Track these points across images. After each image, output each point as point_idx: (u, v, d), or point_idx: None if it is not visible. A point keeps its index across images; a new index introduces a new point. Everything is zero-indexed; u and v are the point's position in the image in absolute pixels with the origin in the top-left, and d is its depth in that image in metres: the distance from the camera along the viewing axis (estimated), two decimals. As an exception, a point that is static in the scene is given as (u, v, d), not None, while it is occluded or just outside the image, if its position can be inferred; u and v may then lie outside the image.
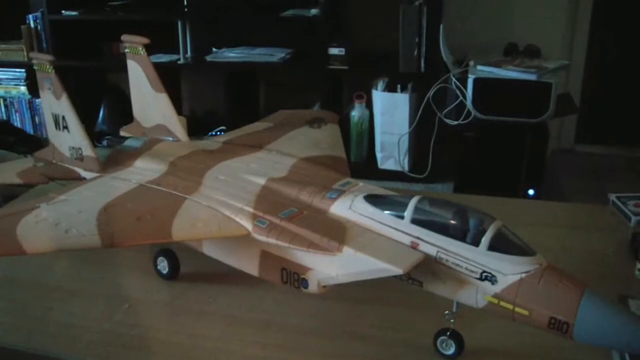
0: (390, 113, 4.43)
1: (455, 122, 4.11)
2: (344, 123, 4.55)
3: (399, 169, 4.54)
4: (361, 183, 1.84)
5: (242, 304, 1.89)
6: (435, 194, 2.17)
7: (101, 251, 1.80)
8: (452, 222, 1.56)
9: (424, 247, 1.55)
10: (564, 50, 5.04)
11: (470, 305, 1.55)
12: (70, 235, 1.72)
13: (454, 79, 4.07)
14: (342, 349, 1.73)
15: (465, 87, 4.01)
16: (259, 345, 1.73)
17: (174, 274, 1.99)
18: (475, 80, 3.98)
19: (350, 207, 1.70)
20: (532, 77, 3.91)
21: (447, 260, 1.53)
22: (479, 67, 4.06)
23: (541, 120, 3.98)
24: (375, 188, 1.80)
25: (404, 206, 1.61)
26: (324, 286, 1.65)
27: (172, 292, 1.96)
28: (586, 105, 5.13)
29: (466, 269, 1.51)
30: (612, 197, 2.42)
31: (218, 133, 4.55)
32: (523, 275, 1.47)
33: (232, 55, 4.96)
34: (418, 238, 1.56)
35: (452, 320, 1.63)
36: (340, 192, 1.76)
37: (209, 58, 4.97)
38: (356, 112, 4.63)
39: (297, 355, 1.71)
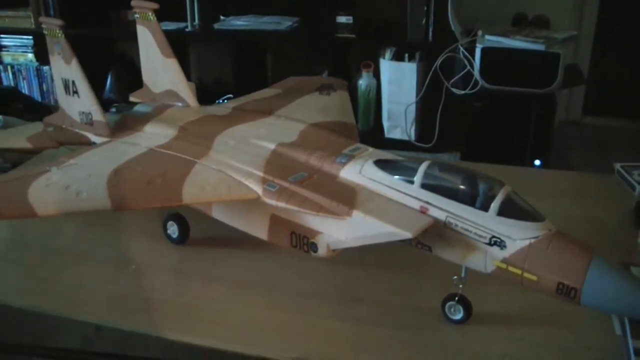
0: (397, 82, 4.43)
1: (463, 92, 4.11)
2: (352, 92, 4.50)
3: (405, 138, 4.54)
4: (371, 149, 1.85)
5: (248, 267, 1.92)
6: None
7: (109, 215, 1.80)
8: (462, 187, 1.57)
9: (433, 212, 1.56)
10: (573, 21, 4.99)
11: (478, 271, 1.57)
12: (80, 198, 1.74)
13: (461, 49, 4.06)
14: (344, 311, 1.75)
15: (473, 57, 4.00)
16: (263, 307, 1.76)
17: (183, 239, 2.01)
18: (484, 50, 3.97)
19: (360, 171, 1.71)
20: (540, 47, 3.89)
21: (456, 225, 1.54)
22: (487, 37, 4.04)
23: (549, 90, 3.97)
24: (385, 153, 1.81)
25: (413, 171, 1.61)
26: (333, 250, 1.66)
27: (180, 255, 1.99)
28: (594, 76, 5.10)
29: (475, 233, 1.53)
30: (617, 166, 2.43)
31: (225, 101, 4.53)
32: (532, 240, 1.48)
33: (239, 23, 4.94)
34: (427, 203, 1.57)
35: (460, 286, 1.64)
36: (350, 157, 1.77)
37: (216, 26, 4.95)
38: (363, 81, 4.61)
39: (299, 316, 1.73)
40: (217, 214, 1.87)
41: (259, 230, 1.79)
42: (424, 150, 4.46)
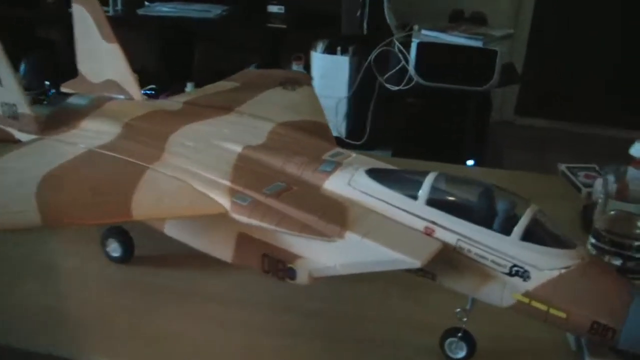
0: (329, 76, 4.24)
1: (397, 88, 3.99)
2: None
3: (335, 134, 4.34)
4: (354, 154, 1.61)
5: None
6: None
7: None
8: (477, 204, 1.36)
9: (441, 234, 1.34)
10: (509, 20, 4.94)
11: (492, 304, 1.35)
12: (3, 212, 1.48)
13: (397, 43, 3.95)
14: (290, 324, 1.57)
15: (409, 52, 3.88)
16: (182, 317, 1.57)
17: (126, 257, 1.74)
18: (419, 45, 3.85)
19: (349, 182, 1.45)
20: (478, 43, 3.80)
21: (469, 251, 1.32)
22: (424, 32, 3.93)
23: (485, 88, 3.88)
24: (374, 161, 1.58)
25: (417, 184, 1.38)
26: (315, 278, 1.42)
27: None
28: (528, 76, 5.05)
29: (492, 261, 1.31)
30: (562, 167, 2.30)
31: (149, 92, 4.31)
32: (562, 271, 1.28)
33: (165, 9, 4.71)
34: (434, 223, 1.34)
35: (464, 319, 1.43)
36: (335, 165, 1.51)
37: (140, 11, 4.72)
38: (294, 74, 4.41)
39: (220, 329, 1.55)
40: (171, 230, 1.59)
41: (222, 250, 1.52)
42: (354, 147, 4.29)
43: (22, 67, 4.89)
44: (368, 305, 1.66)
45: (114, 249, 1.73)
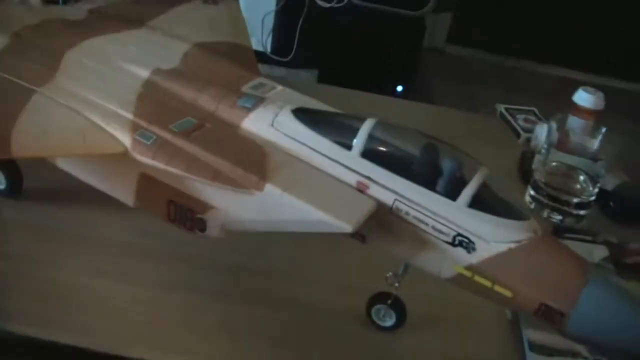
0: (256, -14, 3.98)
1: (328, 5, 3.72)
2: None
3: (260, 49, 4.10)
4: (279, 87, 1.42)
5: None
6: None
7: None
8: (420, 161, 1.19)
9: (375, 192, 1.17)
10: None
11: (429, 273, 1.20)
12: None
13: (331, -44, 3.68)
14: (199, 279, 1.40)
15: (344, -32, 3.62)
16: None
17: (13, 191, 1.52)
18: (355, -39, 3.59)
19: (273, 123, 1.27)
20: (417, -35, 3.58)
21: (407, 213, 1.16)
22: (359, -53, 3.66)
23: (419, 13, 3.67)
24: (303, 97, 1.39)
25: (352, 131, 1.21)
26: (228, 231, 1.24)
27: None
28: (461, 4, 4.86)
29: (434, 228, 1.16)
30: (501, 108, 2.16)
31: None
32: (512, 245, 1.14)
33: None
34: (368, 178, 1.18)
35: (396, 284, 1.29)
36: (257, 100, 1.32)
37: None
38: (218, -18, 4.13)
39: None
40: (64, 164, 1.36)
41: (123, 192, 1.32)
42: (279, 64, 4.07)
43: None
44: (286, 260, 1.51)
45: None
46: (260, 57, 4.01)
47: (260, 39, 4.09)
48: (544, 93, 3.56)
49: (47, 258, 1.40)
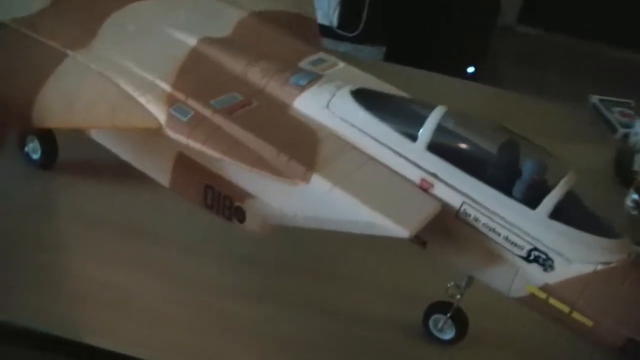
0: (324, -42, 3.83)
1: (400, -21, 3.59)
2: None
3: (326, 23, 3.96)
4: (342, 63, 1.30)
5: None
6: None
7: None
8: (496, 159, 1.05)
9: (441, 192, 1.05)
10: None
11: (498, 290, 1.08)
12: None
13: None
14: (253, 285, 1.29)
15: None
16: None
17: (48, 162, 1.43)
18: None
19: (328, 105, 1.15)
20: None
21: (476, 219, 1.03)
22: None
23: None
24: (367, 76, 1.26)
25: (419, 120, 1.08)
26: (269, 225, 1.13)
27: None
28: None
29: (506, 239, 1.02)
30: (594, 99, 1.98)
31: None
32: (599, 267, 1.00)
33: None
34: (434, 175, 1.05)
35: (458, 296, 1.17)
36: (313, 77, 1.20)
37: None
38: (285, -49, 3.99)
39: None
40: (99, 136, 1.26)
41: (158, 171, 1.22)
42: (345, 39, 3.93)
43: None
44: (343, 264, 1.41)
45: (33, 149, 1.43)
46: (326, 31, 3.93)
47: (327, 12, 3.95)
48: (620, 79, 3.33)
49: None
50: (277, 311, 1.28)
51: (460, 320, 1.21)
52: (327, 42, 3.87)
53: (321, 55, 1.33)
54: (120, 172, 1.33)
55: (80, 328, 1.22)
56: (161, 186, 1.24)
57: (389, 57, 3.76)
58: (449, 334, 1.22)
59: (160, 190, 1.26)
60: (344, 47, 3.88)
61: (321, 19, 3.94)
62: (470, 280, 1.16)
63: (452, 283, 1.18)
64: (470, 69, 3.64)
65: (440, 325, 1.22)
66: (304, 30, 1.51)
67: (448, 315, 1.20)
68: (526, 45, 4.74)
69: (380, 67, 1.80)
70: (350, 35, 3.92)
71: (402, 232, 1.00)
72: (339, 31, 3.96)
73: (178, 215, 1.39)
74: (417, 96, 1.22)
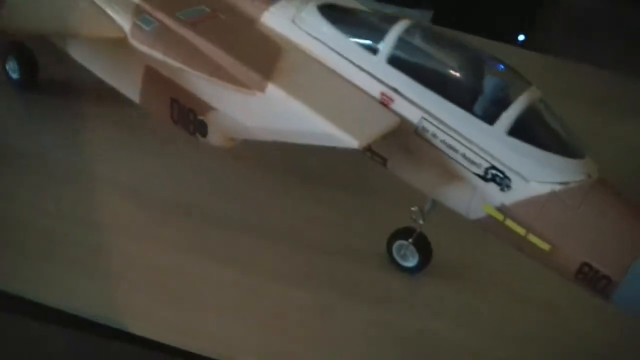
0: None
1: (451, -61, 3.48)
2: None
3: (372, -16, 3.88)
4: None
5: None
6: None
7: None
8: (458, 75, 1.03)
9: (400, 107, 1.03)
10: None
11: (456, 211, 1.07)
12: None
13: None
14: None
15: None
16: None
17: (28, 80, 1.46)
18: None
19: (294, 19, 1.16)
20: None
21: (434, 136, 1.02)
22: None
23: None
24: None
25: (380, 31, 1.08)
26: (231, 139, 1.15)
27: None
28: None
29: (464, 156, 0.99)
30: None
31: None
32: (557, 187, 0.95)
33: None
34: (394, 90, 1.04)
35: (420, 221, 1.16)
36: None
37: None
38: None
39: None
40: (74, 51, 1.29)
41: (129, 86, 1.24)
42: (390, 2, 3.81)
43: None
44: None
45: (12, 68, 1.47)
46: None
47: (373, -27, 3.84)
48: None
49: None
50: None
51: (422, 246, 1.19)
52: (372, 4, 3.79)
53: None
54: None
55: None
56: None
57: (437, 23, 3.64)
58: (411, 261, 1.21)
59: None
60: (390, 9, 3.79)
61: (367, -20, 3.86)
62: (433, 204, 1.14)
63: (415, 207, 1.17)
64: (521, 37, 3.53)
65: (402, 252, 1.21)
66: None
67: (410, 240, 1.18)
68: (578, 14, 4.57)
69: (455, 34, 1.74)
70: (397, -4, 3.83)
71: (352, 142, 1.00)
72: (382, -7, 3.88)
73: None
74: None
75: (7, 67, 1.47)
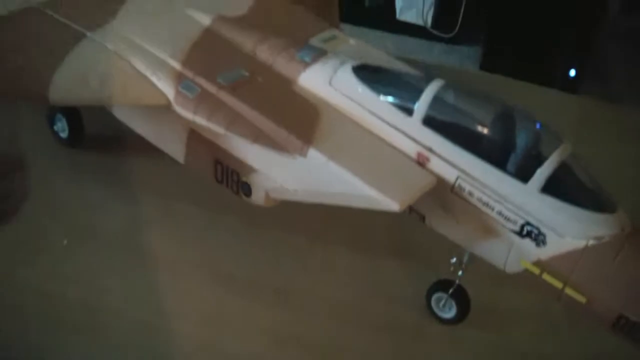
0: (420, -48, 3.70)
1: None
2: None
3: (420, 22, 3.85)
4: (352, 40, 1.32)
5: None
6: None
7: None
8: (491, 133, 1.06)
9: (437, 166, 1.06)
10: None
11: (494, 265, 1.10)
12: None
13: None
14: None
15: None
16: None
17: (76, 139, 1.51)
18: None
19: (331, 81, 1.17)
20: None
21: (470, 194, 1.04)
22: None
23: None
24: (375, 52, 1.29)
25: (415, 92, 1.09)
26: (274, 199, 1.18)
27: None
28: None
29: (499, 213, 1.02)
30: None
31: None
32: (591, 242, 0.98)
33: None
34: (430, 150, 1.06)
35: (459, 273, 1.19)
36: (319, 53, 1.23)
37: None
38: (379, -54, 3.87)
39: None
40: (119, 113, 1.31)
41: (174, 148, 1.27)
42: (440, 40, 3.83)
43: None
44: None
45: (61, 128, 1.50)
46: (420, 31, 3.84)
47: (420, 11, 3.84)
48: None
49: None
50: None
51: (461, 298, 1.22)
52: (420, 43, 3.80)
53: (333, 32, 1.34)
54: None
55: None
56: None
57: (486, 57, 3.65)
58: (450, 313, 1.23)
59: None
60: (438, 47, 3.81)
61: (415, 18, 3.86)
62: (471, 257, 1.16)
63: (454, 259, 1.20)
64: (572, 72, 3.45)
65: (442, 304, 1.24)
66: (322, 7, 1.52)
67: (449, 291, 1.21)
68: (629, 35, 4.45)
69: (472, 76, 1.73)
70: (446, 36, 3.82)
71: (393, 205, 1.02)
72: (434, 31, 3.86)
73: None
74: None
75: (56, 127, 1.51)
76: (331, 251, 1.44)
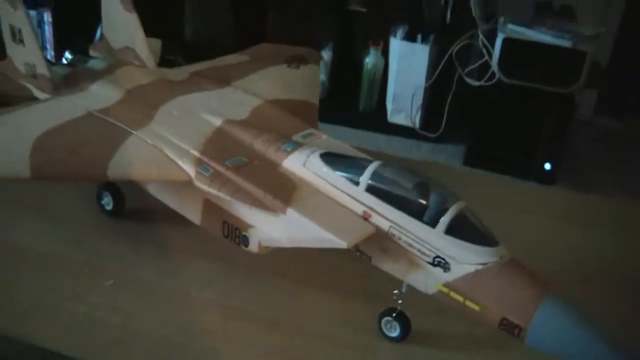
0: (407, 64, 4.08)
1: (478, 83, 3.82)
2: (357, 69, 4.31)
3: (409, 124, 4.22)
4: (325, 136, 1.70)
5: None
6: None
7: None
8: (411, 195, 1.44)
9: (376, 220, 1.43)
10: (598, 15, 4.62)
11: (419, 290, 1.44)
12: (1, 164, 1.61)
13: (481, 36, 3.76)
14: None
15: (493, 46, 3.70)
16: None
17: (118, 211, 1.88)
18: (505, 40, 3.65)
19: (305, 164, 1.56)
20: (567, 43, 3.59)
21: (399, 238, 1.41)
22: (510, 26, 3.69)
23: (569, 90, 3.69)
24: (340, 144, 1.66)
25: (360, 170, 1.48)
26: (266, 247, 1.53)
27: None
28: (612, 75, 4.73)
29: (418, 250, 1.40)
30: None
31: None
32: (479, 267, 1.35)
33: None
34: (371, 209, 1.45)
35: (400, 302, 1.51)
36: (298, 145, 1.61)
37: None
38: (371, 59, 4.26)
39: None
40: (152, 189, 1.71)
41: (192, 213, 1.65)
42: (427, 140, 4.18)
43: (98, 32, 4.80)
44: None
45: (107, 202, 1.87)
46: (409, 132, 4.18)
47: (410, 114, 4.21)
48: None
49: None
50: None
51: (403, 320, 1.52)
52: (409, 142, 4.13)
53: (311, 130, 1.72)
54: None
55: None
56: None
57: (469, 155, 4.00)
58: (394, 333, 1.53)
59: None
60: (425, 146, 4.15)
61: (404, 121, 4.21)
62: (408, 287, 1.47)
63: (396, 291, 1.49)
64: (547, 166, 3.80)
65: (388, 326, 1.54)
66: (306, 112, 1.89)
67: (393, 315, 1.52)
68: (601, 135, 4.81)
69: (456, 173, 1.97)
70: (432, 135, 4.16)
71: (342, 244, 1.38)
72: (421, 131, 4.21)
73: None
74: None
75: (103, 202, 1.85)
76: (311, 292, 1.70)
